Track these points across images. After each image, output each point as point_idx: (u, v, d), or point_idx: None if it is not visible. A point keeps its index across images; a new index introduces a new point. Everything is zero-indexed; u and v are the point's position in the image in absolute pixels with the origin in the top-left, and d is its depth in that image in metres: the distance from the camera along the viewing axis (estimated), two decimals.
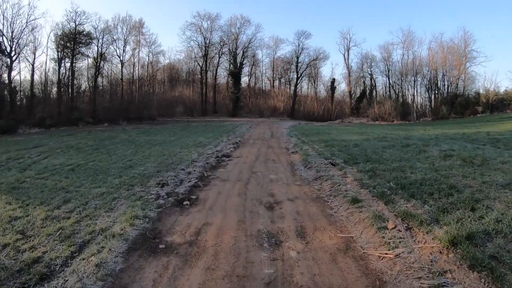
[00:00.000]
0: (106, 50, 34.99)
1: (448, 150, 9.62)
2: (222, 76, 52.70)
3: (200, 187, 6.56)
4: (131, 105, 34.74)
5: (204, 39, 45.51)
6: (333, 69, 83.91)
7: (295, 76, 47.37)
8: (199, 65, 47.77)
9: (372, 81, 48.17)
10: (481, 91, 42.08)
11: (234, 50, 44.40)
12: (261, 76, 54.50)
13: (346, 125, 31.17)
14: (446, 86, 42.83)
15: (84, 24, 31.60)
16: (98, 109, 32.07)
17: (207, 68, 47.72)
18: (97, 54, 33.68)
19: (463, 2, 61.82)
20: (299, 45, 44.15)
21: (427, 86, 44.13)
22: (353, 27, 56.50)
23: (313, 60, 44.84)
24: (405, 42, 44.00)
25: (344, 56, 46.51)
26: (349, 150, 10.20)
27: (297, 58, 44.42)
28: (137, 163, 9.06)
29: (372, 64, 47.63)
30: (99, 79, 35.57)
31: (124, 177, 7.16)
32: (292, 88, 49.72)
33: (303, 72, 45.12)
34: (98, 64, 33.74)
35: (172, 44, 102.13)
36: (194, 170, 7.81)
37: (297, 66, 44.70)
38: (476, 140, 12.44)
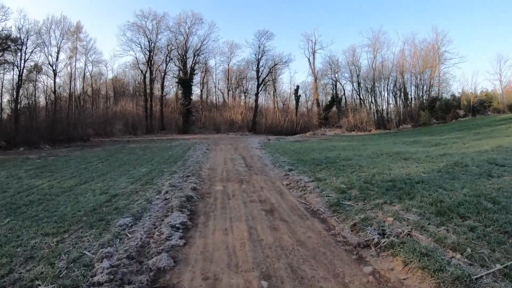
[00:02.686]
0: (34, 57, 28.70)
1: None
2: (171, 87, 44.39)
3: None
4: (58, 124, 26.61)
5: (149, 42, 36.96)
6: (291, 78, 74.84)
7: (255, 83, 40.80)
8: (142, 73, 38.76)
9: (339, 88, 43.55)
10: (456, 94, 39.57)
11: (183, 53, 36.35)
12: (214, 88, 47.05)
13: (329, 138, 24.88)
14: (420, 90, 39.54)
15: (2, 21, 24.96)
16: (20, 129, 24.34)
17: (153, 77, 39.02)
18: (20, 62, 26.47)
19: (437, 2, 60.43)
20: (259, 47, 37.69)
21: (397, 91, 40.52)
22: (319, 27, 51.68)
23: (277, 64, 38.53)
24: (375, 44, 40.09)
25: (309, 60, 41.22)
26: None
27: (258, 61, 37.84)
28: None
29: (338, 69, 43.07)
30: (37, 93, 30.50)
31: None
32: (250, 99, 43.09)
33: (265, 78, 38.58)
34: (20, 74, 26.39)
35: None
36: None
37: (258, 71, 38.07)
38: None
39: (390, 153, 11.07)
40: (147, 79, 38.36)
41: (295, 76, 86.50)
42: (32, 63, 28.81)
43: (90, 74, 41.58)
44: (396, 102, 39.77)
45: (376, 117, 37.37)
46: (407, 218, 4.15)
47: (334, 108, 41.85)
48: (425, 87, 38.97)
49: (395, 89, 40.45)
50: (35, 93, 30.87)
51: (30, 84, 29.39)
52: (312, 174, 7.82)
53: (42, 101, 32.55)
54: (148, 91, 38.26)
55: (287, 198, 6.09)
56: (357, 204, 4.99)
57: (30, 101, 28.87)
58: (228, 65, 43.86)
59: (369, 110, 36.28)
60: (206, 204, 5.88)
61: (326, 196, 5.63)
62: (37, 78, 30.70)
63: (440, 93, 38.02)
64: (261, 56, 37.62)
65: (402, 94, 40.07)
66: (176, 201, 5.79)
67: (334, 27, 64.37)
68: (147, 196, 6.54)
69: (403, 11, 61.30)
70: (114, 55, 60.45)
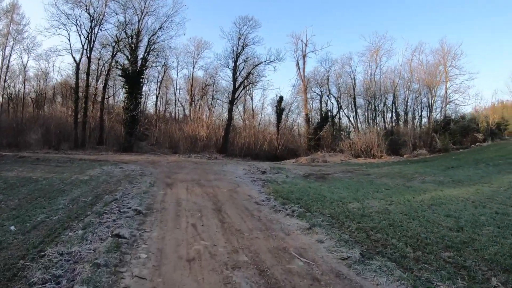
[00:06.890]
0: None
1: None
2: (119, 87, 32.20)
3: None
4: None
5: (91, 19, 25.01)
6: (264, 90, 58.16)
7: (228, 90, 30.81)
8: (74, 61, 26.24)
9: (330, 103, 34.99)
10: (467, 114, 33.09)
11: (133, 35, 24.98)
12: (174, 96, 35.80)
13: (355, 171, 15.23)
14: (426, 109, 32.52)
15: None
16: None
17: (97, 71, 27.20)
18: None
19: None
20: (239, 39, 27.66)
21: (401, 110, 33.15)
22: (311, 26, 43.06)
23: (261, 63, 28.58)
24: (376, 53, 32.56)
25: (297, 64, 32.39)
26: None
27: (236, 57, 27.76)
28: None
29: (327, 81, 34.65)
30: None
31: None
32: (218, 110, 32.87)
33: (243, 80, 28.63)
34: None
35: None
36: None
37: (234, 72, 27.95)
38: None
39: None
40: (82, 72, 26.42)
41: (268, 91, 75.33)
42: None
43: (24, 68, 29.20)
44: (404, 122, 32.22)
45: (391, 140, 29.18)
46: None
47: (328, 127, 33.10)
48: (434, 106, 32.06)
49: (397, 107, 33.16)
50: None
51: None
52: None
53: None
54: (82, 88, 26.29)
55: None
56: None
57: None
58: (193, 68, 33.39)
59: (381, 131, 27.90)
60: None
61: None
62: None
63: (452, 113, 31.52)
64: (241, 51, 27.61)
65: (406, 113, 32.97)
66: None
67: (327, 31, 56.87)
68: None
69: (409, 20, 55.45)
70: (39, 32, 45.31)
